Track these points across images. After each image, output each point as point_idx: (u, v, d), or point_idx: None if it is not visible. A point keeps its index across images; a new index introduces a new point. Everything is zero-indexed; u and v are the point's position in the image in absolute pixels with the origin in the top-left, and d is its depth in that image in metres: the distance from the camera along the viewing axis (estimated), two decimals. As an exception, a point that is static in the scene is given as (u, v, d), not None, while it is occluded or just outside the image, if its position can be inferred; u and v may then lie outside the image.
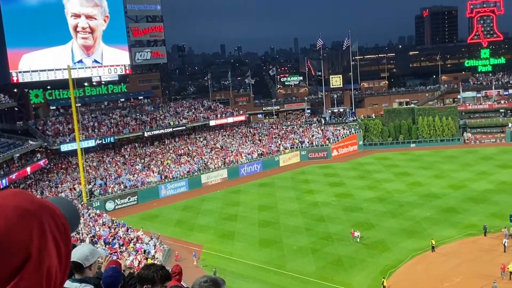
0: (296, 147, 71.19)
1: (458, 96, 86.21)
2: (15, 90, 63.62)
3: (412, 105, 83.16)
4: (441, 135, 74.56)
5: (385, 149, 73.58)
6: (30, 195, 1.51)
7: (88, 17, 68.02)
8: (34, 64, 63.24)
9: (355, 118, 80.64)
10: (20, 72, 62.35)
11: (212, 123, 73.51)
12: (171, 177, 59.02)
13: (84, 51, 68.05)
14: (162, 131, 68.04)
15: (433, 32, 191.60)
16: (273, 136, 74.46)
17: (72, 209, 1.74)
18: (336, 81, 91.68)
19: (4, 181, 45.88)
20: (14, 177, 48.13)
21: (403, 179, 57.38)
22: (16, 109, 62.88)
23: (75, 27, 66.95)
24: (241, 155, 66.45)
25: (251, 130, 77.40)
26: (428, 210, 45.93)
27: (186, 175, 60.06)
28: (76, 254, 3.47)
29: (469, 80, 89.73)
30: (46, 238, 1.38)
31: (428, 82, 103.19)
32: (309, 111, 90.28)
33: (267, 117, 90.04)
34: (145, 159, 63.09)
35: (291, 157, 69.79)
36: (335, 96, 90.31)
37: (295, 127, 78.53)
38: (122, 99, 73.13)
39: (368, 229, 41.94)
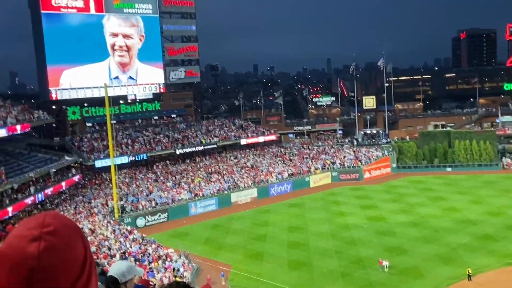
0: (327, 168, 70.65)
1: (497, 120, 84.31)
2: (54, 107, 65.53)
3: (448, 128, 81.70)
4: (478, 159, 72.81)
5: (420, 173, 72.28)
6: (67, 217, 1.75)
7: (125, 36, 70.11)
8: (72, 81, 65.23)
9: (388, 140, 79.70)
10: (59, 89, 64.35)
11: (243, 142, 73.84)
12: (201, 195, 59.36)
13: (120, 68, 69.97)
14: (193, 149, 68.72)
15: (471, 54, 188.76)
16: (304, 156, 74.16)
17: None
18: (369, 102, 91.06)
19: (40, 195, 47.08)
20: (49, 192, 49.28)
21: (438, 203, 56.13)
22: (54, 125, 64.64)
23: (113, 45, 69.13)
24: (271, 174, 66.36)
25: (282, 149, 77.32)
26: (464, 236, 44.70)
27: (216, 194, 60.29)
28: (114, 269, 3.52)
29: (508, 104, 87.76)
30: (89, 249, 1.62)
31: (465, 105, 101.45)
32: (341, 131, 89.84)
33: (298, 137, 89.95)
34: (176, 176, 63.70)
35: (322, 178, 69.27)
36: (368, 117, 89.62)
37: (327, 147, 78.05)
38: (156, 117, 74.37)
39: (401, 254, 41.08)
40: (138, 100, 72.80)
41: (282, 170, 68.01)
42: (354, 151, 75.29)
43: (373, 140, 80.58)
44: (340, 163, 71.55)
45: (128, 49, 70.63)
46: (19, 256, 1.44)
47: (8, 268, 1.43)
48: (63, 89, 64.67)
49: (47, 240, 1.47)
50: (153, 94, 73.83)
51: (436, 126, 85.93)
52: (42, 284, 1.43)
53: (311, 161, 71.89)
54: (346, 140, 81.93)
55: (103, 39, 68.01)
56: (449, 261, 39.22)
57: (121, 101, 71.13)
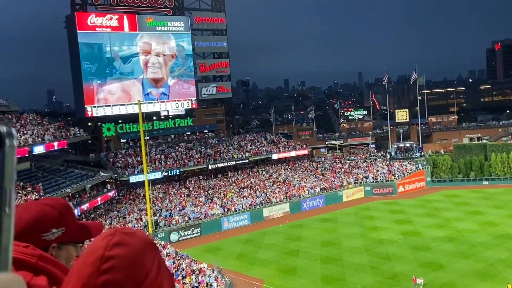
0: (360, 182, 69.97)
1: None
2: (89, 124, 67.15)
3: (484, 141, 79.97)
4: (516, 172, 70.90)
5: (455, 186, 70.81)
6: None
7: (158, 53, 71.71)
8: (107, 98, 66.90)
9: (422, 153, 78.51)
10: (94, 106, 65.99)
11: (275, 156, 73.93)
12: (233, 210, 59.56)
13: (153, 85, 71.44)
14: (225, 164, 69.19)
15: (506, 65, 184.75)
16: (336, 170, 73.68)
17: None
18: (402, 115, 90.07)
19: (76, 210, 48.13)
20: (85, 207, 50.35)
21: (474, 218, 54.81)
22: (89, 142, 66.15)
23: (146, 62, 70.82)
24: (303, 189, 66.13)
25: (314, 164, 77.04)
26: (503, 251, 43.45)
27: (248, 208, 60.41)
28: None
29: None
30: (161, 268, 1.40)
31: (501, 117, 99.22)
32: (373, 145, 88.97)
33: (330, 151, 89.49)
34: (209, 191, 64.16)
35: (354, 192, 68.62)
36: (401, 130, 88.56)
37: (359, 161, 77.38)
38: (188, 133, 75.30)
39: (437, 270, 40.21)
40: (170, 116, 73.92)
41: (314, 185, 67.68)
42: (387, 165, 74.39)
43: (407, 153, 79.50)
44: (373, 177, 70.77)
45: (161, 66, 72.22)
46: None
47: None
48: (98, 106, 66.28)
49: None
50: (185, 110, 74.88)
51: (471, 139, 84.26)
52: None
53: (344, 176, 71.33)
54: (379, 154, 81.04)
55: (136, 56, 69.77)
56: (487, 277, 38.16)
57: (154, 117, 72.36)
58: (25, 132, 49.38)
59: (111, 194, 56.80)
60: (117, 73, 67.92)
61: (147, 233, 48.62)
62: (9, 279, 0.95)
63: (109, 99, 67.16)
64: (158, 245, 44.88)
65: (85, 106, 65.46)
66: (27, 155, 47.57)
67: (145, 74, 70.69)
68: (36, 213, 1.95)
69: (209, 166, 67.71)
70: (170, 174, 64.26)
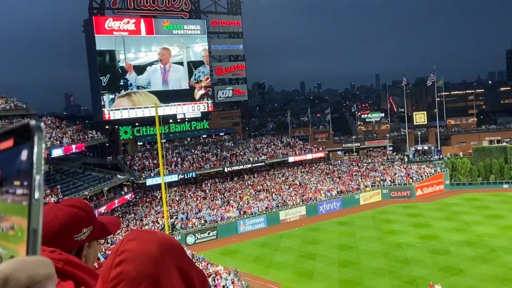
0: (378, 186, 69.57)
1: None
2: (107, 127, 67.80)
3: (505, 144, 78.89)
4: (537, 175, 69.84)
5: (474, 190, 69.96)
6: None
7: (174, 56, 72.26)
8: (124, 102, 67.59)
9: (440, 156, 77.78)
10: (111, 110, 66.62)
11: (291, 159, 73.85)
12: (249, 212, 59.62)
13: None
14: (241, 167, 69.30)
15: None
16: (353, 173, 73.35)
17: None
18: (420, 118, 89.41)
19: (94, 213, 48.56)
20: (103, 210, 50.83)
21: (494, 222, 54.07)
22: (107, 144, 66.76)
23: (163, 65, 71.40)
24: (320, 192, 65.95)
25: (331, 167, 76.81)
26: (524, 256, 42.78)
27: (264, 211, 60.41)
28: None
29: None
30: (188, 268, 1.31)
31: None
32: (391, 148, 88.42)
33: (347, 154, 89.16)
34: (225, 194, 64.33)
35: (372, 195, 68.25)
36: (419, 133, 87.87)
37: (376, 164, 76.95)
38: (204, 135, 75.60)
39: (456, 275, 39.74)
40: (187, 119, 74.32)
41: (330, 188, 67.47)
42: (405, 168, 73.87)
43: (425, 156, 78.84)
44: (390, 181, 70.31)
45: (177, 69, 72.72)
46: None
47: None
48: (115, 109, 66.89)
49: (115, 277, 1.20)
50: (202, 113, 75.23)
51: (491, 142, 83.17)
52: None
53: (361, 179, 71.00)
54: (397, 157, 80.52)
55: (153, 59, 70.34)
56: (508, 282, 37.59)
57: (170, 120, 72.81)
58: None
59: (128, 196, 57.26)
60: (132, 87, 68.45)
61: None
62: (36, 259, 0.98)
63: (124, 104, 67.90)
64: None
65: (103, 109, 66.12)
66: (45, 158, 48.19)
67: (161, 77, 71.27)
68: (67, 216, 2.03)
69: (225, 169, 67.88)
70: (186, 177, 64.57)
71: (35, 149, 1.01)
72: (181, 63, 73.59)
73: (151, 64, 70.44)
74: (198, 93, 74.77)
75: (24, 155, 1.01)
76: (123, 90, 67.97)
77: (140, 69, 69.35)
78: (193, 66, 75.13)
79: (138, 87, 69.21)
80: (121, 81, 67.97)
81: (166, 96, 70.74)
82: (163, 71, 71.74)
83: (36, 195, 1.00)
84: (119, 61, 67.82)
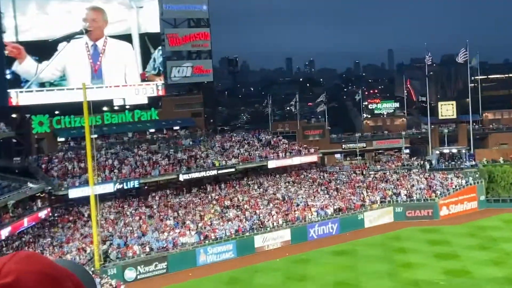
0: (389, 201, 69.98)
1: None
2: (14, 116, 66.76)
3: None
4: None
5: (519, 208, 71.01)
6: (48, 259, 1.62)
7: (107, 19, 71.47)
8: (38, 77, 66.57)
9: (474, 162, 78.69)
10: (21, 91, 65.55)
11: (272, 164, 73.76)
12: (213, 237, 59.43)
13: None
14: (203, 174, 68.93)
15: None
16: (356, 184, 73.64)
17: (88, 277, 1.92)
18: (447, 110, 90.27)
19: (-7, 235, 47.65)
20: (7, 232, 49.86)
21: (545, 252, 54.94)
22: (14, 140, 65.76)
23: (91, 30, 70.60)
24: (310, 210, 66.04)
25: (326, 175, 76.91)
26: None
27: (234, 236, 60.27)
28: None
29: None
30: None
31: None
32: (407, 150, 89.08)
33: (348, 158, 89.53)
34: (179, 211, 63.95)
35: (381, 215, 68.60)
36: (446, 131, 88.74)
37: (388, 173, 77.41)
38: (152, 130, 75.09)
39: (492, 324, 40.18)
40: (128, 107, 73.67)
41: (325, 204, 67.60)
42: (425, 178, 74.47)
43: (453, 162, 79.63)
44: (406, 195, 70.81)
45: (119, 48, 71.90)
46: None
47: None
48: (26, 91, 65.86)
49: None
50: (149, 98, 74.62)
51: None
52: None
53: (366, 192, 71.32)
54: (415, 163, 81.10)
55: (71, 30, 68.52)
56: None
57: (105, 108, 72.03)
58: None
59: (43, 213, 56.31)
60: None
61: (93, 269, 48.19)
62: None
63: (40, 77, 66.89)
64: (107, 285, 44.62)
65: (7, 91, 65.07)
66: None
67: (97, 82, 69.95)
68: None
69: (181, 176, 67.45)
70: (126, 187, 63.94)
71: None
72: (126, 37, 72.62)
73: (67, 38, 68.20)
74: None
75: None
76: (14, 88, 65.54)
77: (43, 50, 66.77)
78: (150, 42, 74.19)
79: (42, 85, 66.95)
80: (7, 74, 65.56)
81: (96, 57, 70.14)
82: (92, 53, 70.17)
83: None
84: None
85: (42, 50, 66.70)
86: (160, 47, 75.23)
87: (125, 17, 72.61)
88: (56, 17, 67.88)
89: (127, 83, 72.33)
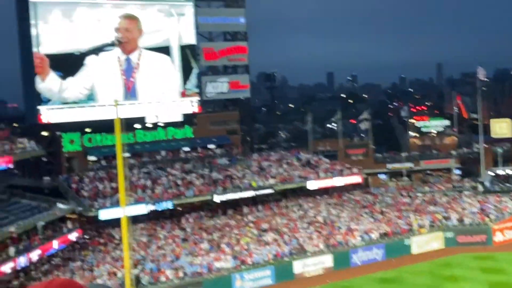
0: (438, 226, 69.34)
1: None
2: (44, 134, 67.91)
3: None
4: None
5: None
6: (82, 286, 1.82)
7: (142, 32, 72.38)
8: (69, 94, 67.58)
9: (531, 184, 77.63)
10: (51, 108, 66.70)
11: (312, 185, 73.70)
12: (250, 262, 59.45)
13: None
14: (239, 194, 69.13)
15: None
16: (403, 207, 73.13)
17: None
18: (501, 127, 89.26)
19: (22, 259, 48.48)
20: (36, 255, 50.59)
21: None
22: (44, 159, 66.84)
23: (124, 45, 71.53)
24: (353, 234, 65.75)
25: (370, 197, 76.63)
26: None
27: (272, 261, 60.26)
28: None
29: None
30: None
31: None
32: (458, 171, 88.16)
33: (393, 179, 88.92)
34: (214, 234, 64.18)
35: (429, 240, 67.96)
36: (500, 150, 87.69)
37: (437, 195, 76.76)
38: (186, 148, 75.67)
39: None
40: (161, 124, 74.42)
41: (369, 228, 67.25)
42: (478, 201, 73.65)
43: (508, 184, 78.66)
44: (457, 219, 70.10)
45: (157, 61, 72.66)
46: None
47: None
48: (57, 107, 66.98)
49: None
50: (183, 115, 75.34)
51: None
52: None
53: (414, 215, 70.76)
54: (467, 184, 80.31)
55: (100, 41, 69.34)
56: None
57: (137, 125, 72.89)
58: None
59: (73, 236, 57.08)
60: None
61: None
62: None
63: (72, 94, 67.84)
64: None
65: (38, 107, 66.25)
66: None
67: (130, 100, 70.45)
68: None
69: (216, 197, 67.77)
70: (159, 209, 64.42)
71: None
72: (165, 50, 73.58)
73: (96, 51, 69.08)
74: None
75: None
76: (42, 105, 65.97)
77: (68, 64, 67.41)
78: (192, 55, 75.32)
79: (65, 105, 67.62)
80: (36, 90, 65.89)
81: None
82: (125, 68, 71.11)
83: None
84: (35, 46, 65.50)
85: (67, 64, 66.89)
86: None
87: (164, 26, 73.27)
88: (84, 26, 68.09)
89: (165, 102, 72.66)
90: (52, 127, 68.29)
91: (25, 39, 67.72)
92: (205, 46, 78.83)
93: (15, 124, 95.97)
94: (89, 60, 68.00)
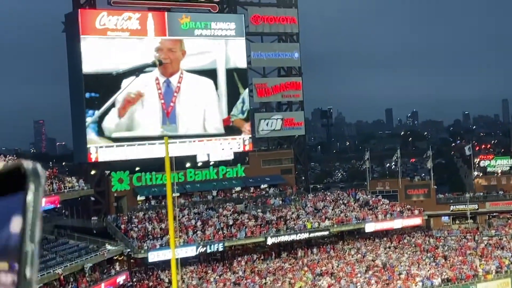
0: (505, 272, 67.73)
1: None
2: (93, 172, 68.87)
3: None
4: None
5: None
6: None
7: (193, 70, 73.22)
8: (119, 134, 68.60)
9: None
10: (100, 146, 67.73)
11: (370, 227, 72.88)
12: (305, 309, 58.79)
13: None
14: (293, 237, 68.74)
15: None
16: (467, 251, 71.74)
17: None
18: None
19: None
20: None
21: None
22: (92, 198, 67.68)
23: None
24: (414, 279, 64.66)
25: (432, 240, 75.33)
26: None
27: (328, 308, 59.50)
28: None
29: None
30: None
31: None
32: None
33: (457, 222, 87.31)
34: (267, 278, 63.79)
35: (496, 286, 66.44)
36: None
37: (504, 238, 75.16)
38: (238, 188, 75.68)
39: None
40: (212, 163, 74.76)
41: (432, 273, 66.13)
42: (549, 245, 71.84)
43: None
44: (526, 264, 68.44)
45: (199, 86, 73.36)
46: None
47: None
48: (106, 146, 67.98)
49: None
50: (235, 153, 75.60)
51: None
52: None
53: (479, 260, 69.39)
54: (536, 227, 78.50)
55: (138, 62, 70.11)
56: None
57: (188, 164, 73.36)
58: None
59: (121, 278, 57.39)
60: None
61: None
62: None
63: (121, 135, 68.87)
64: None
65: (88, 146, 67.33)
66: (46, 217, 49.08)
67: (169, 128, 70.78)
68: None
69: (269, 239, 67.48)
70: (209, 250, 64.43)
71: (29, 205, 1.03)
72: (208, 73, 74.12)
73: (135, 72, 69.79)
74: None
75: (13, 220, 1.02)
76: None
77: (104, 85, 68.42)
78: (239, 79, 75.61)
79: (99, 133, 68.08)
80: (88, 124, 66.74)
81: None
82: (164, 91, 71.62)
83: (28, 273, 1.02)
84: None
85: (103, 85, 67.94)
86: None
87: (210, 49, 73.86)
88: (122, 44, 69.30)
89: (207, 130, 72.72)
90: (101, 165, 69.11)
91: (75, 77, 69.30)
92: (258, 82, 79.23)
93: (64, 163, 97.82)
94: (126, 82, 68.58)
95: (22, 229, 1.02)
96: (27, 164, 1.06)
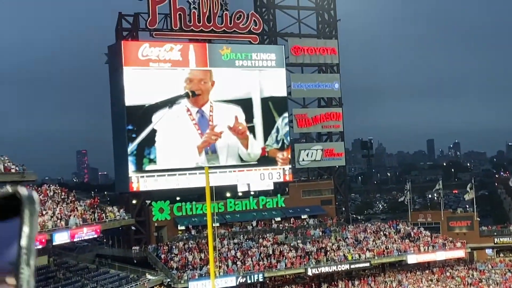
0: (553, 307, 66.18)
1: None
2: (134, 202, 69.33)
3: None
4: None
5: None
6: None
7: (234, 101, 73.54)
8: (161, 164, 69.05)
9: None
10: (142, 176, 68.23)
11: (412, 259, 72.06)
12: None
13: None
14: (334, 268, 68.23)
15: None
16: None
17: None
18: None
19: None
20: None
21: None
22: (133, 228, 68.05)
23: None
24: (458, 313, 63.56)
25: (475, 274, 74.17)
26: None
27: None
28: None
29: None
30: None
31: None
32: None
33: (501, 255, 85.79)
34: (308, 310, 63.33)
35: (543, 322, 64.92)
36: None
37: (551, 272, 73.60)
38: (278, 218, 75.50)
39: None
40: (252, 193, 74.76)
41: (475, 307, 64.95)
42: None
43: None
44: None
45: (231, 115, 73.57)
46: None
47: None
48: (147, 175, 68.45)
49: None
50: (275, 183, 75.54)
51: None
52: None
53: (525, 294, 68.00)
54: None
55: (170, 94, 70.18)
56: None
57: (228, 194, 73.47)
58: (43, 212, 51.76)
59: (160, 308, 57.43)
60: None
61: None
62: None
63: (163, 164, 69.29)
64: None
65: (129, 176, 67.89)
66: (44, 246, 49.58)
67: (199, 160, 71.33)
68: None
69: (309, 270, 67.09)
70: (249, 281, 64.22)
71: (25, 230, 1.06)
72: (244, 103, 74.35)
73: (168, 104, 69.98)
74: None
75: (7, 239, 1.05)
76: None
77: (137, 118, 68.94)
78: (274, 108, 75.41)
79: (137, 165, 67.84)
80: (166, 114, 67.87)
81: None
82: (199, 122, 71.44)
83: None
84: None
85: (142, 116, 68.55)
86: (286, 114, 75.66)
87: (242, 77, 73.93)
88: (154, 74, 69.71)
89: (244, 160, 72.82)
90: (142, 195, 69.54)
91: (117, 107, 70.17)
92: (298, 112, 79.33)
93: (105, 192, 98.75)
94: (157, 116, 68.69)
95: (18, 254, 1.05)
96: (23, 190, 1.09)
